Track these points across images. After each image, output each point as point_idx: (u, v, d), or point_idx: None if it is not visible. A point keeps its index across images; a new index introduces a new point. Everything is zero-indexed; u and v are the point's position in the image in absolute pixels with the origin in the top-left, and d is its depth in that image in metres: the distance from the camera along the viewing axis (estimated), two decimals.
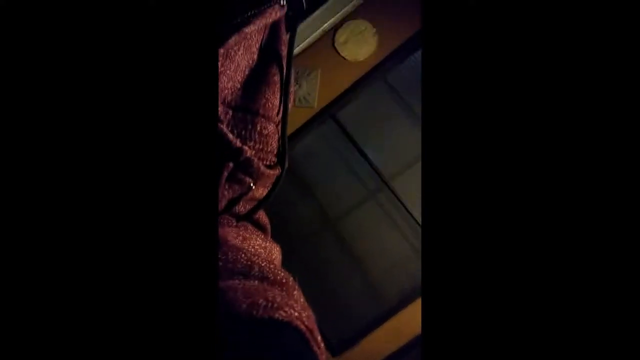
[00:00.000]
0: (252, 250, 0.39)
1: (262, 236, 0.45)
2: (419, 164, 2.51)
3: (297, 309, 0.29)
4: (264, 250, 0.42)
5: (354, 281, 2.54)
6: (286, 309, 0.28)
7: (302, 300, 0.32)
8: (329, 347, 2.51)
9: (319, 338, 0.29)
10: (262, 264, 0.33)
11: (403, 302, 2.41)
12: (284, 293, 0.31)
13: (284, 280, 0.33)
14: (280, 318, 0.27)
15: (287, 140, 0.49)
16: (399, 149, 2.60)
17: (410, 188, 2.54)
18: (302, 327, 0.28)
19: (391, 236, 2.54)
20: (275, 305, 0.27)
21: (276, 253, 0.44)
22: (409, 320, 2.37)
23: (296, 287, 0.34)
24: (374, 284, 2.51)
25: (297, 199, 2.70)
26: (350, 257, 2.57)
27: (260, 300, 0.27)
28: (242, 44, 0.42)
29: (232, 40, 0.40)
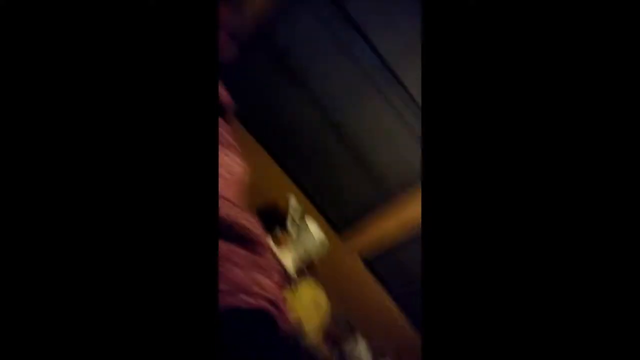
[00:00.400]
0: (233, 191, 0.41)
1: (236, 151, 0.47)
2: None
3: (271, 287, 0.33)
4: (238, 185, 0.44)
5: (355, 169, 2.63)
6: (260, 291, 0.31)
7: (273, 261, 0.37)
8: (332, 226, 2.71)
9: (287, 309, 0.34)
10: (241, 222, 0.37)
11: (403, 189, 2.53)
12: (258, 257, 0.35)
13: (257, 240, 0.37)
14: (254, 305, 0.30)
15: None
16: (400, 31, 2.46)
17: (412, 71, 2.46)
18: (273, 309, 0.32)
19: (393, 124, 2.55)
20: (254, 292, 0.31)
21: (247, 175, 0.48)
22: (409, 207, 2.52)
23: (269, 245, 0.38)
24: (374, 171, 2.61)
25: (289, 86, 2.64)
26: (351, 146, 2.62)
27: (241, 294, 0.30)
28: None
29: None
